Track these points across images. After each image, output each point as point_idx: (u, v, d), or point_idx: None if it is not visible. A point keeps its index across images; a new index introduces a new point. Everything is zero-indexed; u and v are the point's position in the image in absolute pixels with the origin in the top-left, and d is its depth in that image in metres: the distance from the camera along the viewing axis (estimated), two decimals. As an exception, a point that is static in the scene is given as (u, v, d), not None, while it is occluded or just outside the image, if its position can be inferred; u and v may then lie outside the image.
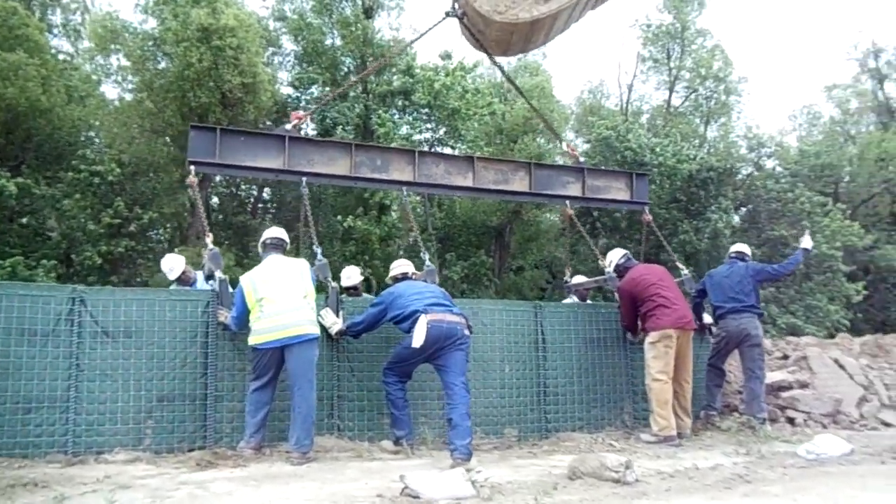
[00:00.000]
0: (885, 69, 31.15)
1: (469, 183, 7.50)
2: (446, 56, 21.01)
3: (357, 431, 6.31)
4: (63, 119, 17.17)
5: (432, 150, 21.07)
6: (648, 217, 8.33)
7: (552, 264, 26.24)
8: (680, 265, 8.31)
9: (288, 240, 6.21)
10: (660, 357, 6.67)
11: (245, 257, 18.96)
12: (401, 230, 23.56)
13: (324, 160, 6.99)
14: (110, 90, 20.91)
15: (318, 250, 6.66)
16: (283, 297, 5.64)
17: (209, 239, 6.49)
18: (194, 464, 5.31)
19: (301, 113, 7.08)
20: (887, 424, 7.39)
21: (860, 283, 22.90)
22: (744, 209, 24.15)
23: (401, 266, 6.47)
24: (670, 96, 28.09)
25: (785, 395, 7.38)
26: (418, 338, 5.61)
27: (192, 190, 6.88)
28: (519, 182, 7.71)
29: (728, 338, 7.24)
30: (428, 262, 6.87)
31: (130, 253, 17.14)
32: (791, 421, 7.20)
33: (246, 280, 5.76)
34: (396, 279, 6.37)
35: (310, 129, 20.82)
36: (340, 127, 19.38)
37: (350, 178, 7.10)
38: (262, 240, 6.18)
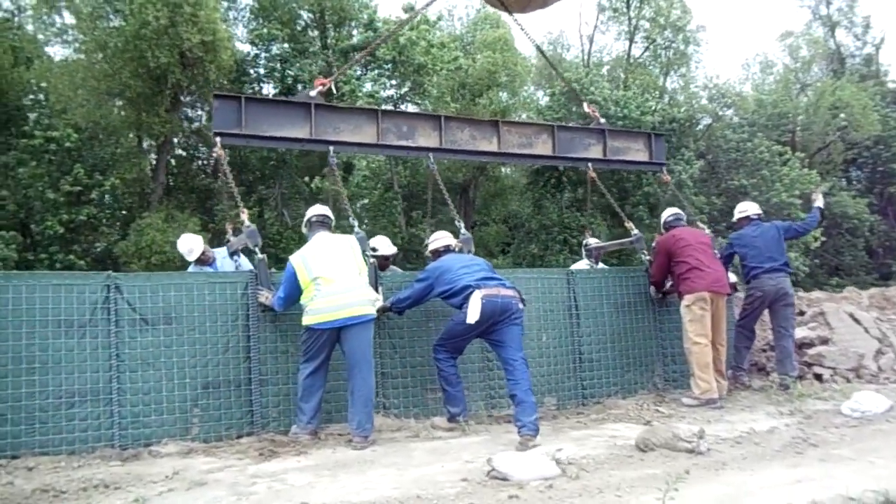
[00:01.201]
0: (836, 16, 31.82)
1: (494, 148, 7.46)
2: (410, 8, 20.59)
3: (403, 409, 6.34)
4: (10, 82, 16.37)
5: (397, 107, 20.85)
6: (667, 177, 8.42)
7: (508, 219, 26.36)
8: (630, 225, 8.31)
9: (333, 216, 6.10)
10: (696, 320, 6.82)
11: (210, 221, 18.59)
12: (366, 189, 23.37)
13: (350, 128, 6.85)
14: (58, 51, 19.96)
15: (355, 223, 6.55)
16: (341, 275, 5.59)
17: (245, 215, 6.34)
18: (256, 453, 5.28)
19: (325, 79, 6.89)
20: (904, 376, 7.74)
21: (818, 230, 23.67)
22: (702, 160, 24.56)
23: (442, 238, 6.43)
24: (630, 47, 28.14)
25: (811, 351, 7.66)
26: (473, 313, 5.60)
27: (220, 163, 6.65)
28: (542, 145, 7.70)
29: (764, 297, 7.42)
30: (463, 231, 6.84)
31: (92, 220, 16.64)
32: (819, 377, 7.49)
33: (297, 259, 5.66)
34: (438, 252, 6.33)
35: (271, 89, 20.35)
36: (302, 85, 18.93)
37: (377, 146, 7.00)
38: (307, 218, 6.08)
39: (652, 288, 7.50)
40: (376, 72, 20.69)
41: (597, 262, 8.72)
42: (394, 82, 21.40)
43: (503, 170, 24.09)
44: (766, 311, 7.64)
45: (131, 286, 5.66)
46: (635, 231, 7.90)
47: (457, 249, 6.42)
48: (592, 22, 28.15)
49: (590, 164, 7.94)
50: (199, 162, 20.94)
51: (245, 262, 7.46)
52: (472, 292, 5.70)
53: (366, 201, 23.42)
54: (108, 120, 17.15)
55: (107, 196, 16.74)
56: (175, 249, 16.65)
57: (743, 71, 36.14)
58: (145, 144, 19.80)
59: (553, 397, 6.91)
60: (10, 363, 5.25)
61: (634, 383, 7.32)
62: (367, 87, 20.97)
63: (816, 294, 9.54)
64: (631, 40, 27.66)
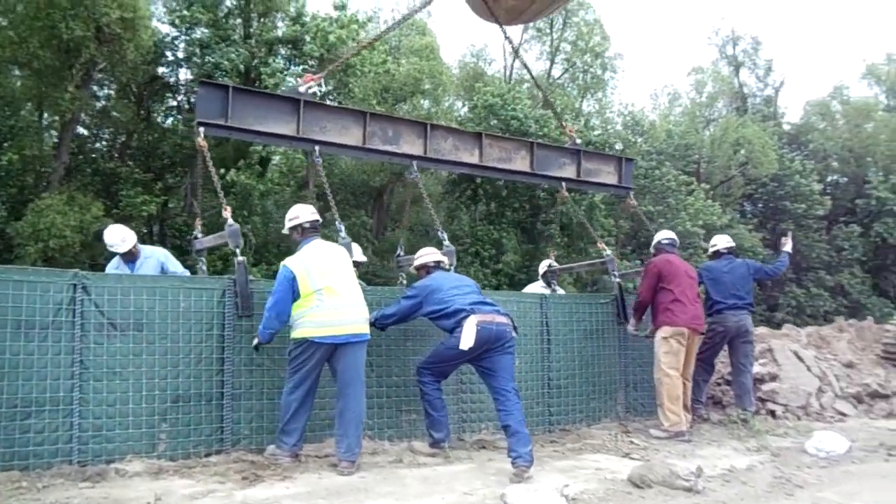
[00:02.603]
0: (741, 56, 33.69)
1: (475, 160, 7.39)
2: (341, 7, 20.18)
3: (377, 430, 6.18)
4: None
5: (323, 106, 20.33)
6: (633, 202, 8.56)
7: (414, 227, 26.37)
8: (602, 245, 8.42)
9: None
10: (671, 353, 6.98)
11: (114, 207, 17.62)
12: (280, 185, 22.78)
13: (336, 129, 6.62)
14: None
15: (341, 227, 6.32)
16: (345, 289, 5.41)
17: (227, 212, 5.97)
18: (238, 476, 5.00)
19: (316, 75, 6.62)
20: (843, 414, 8.18)
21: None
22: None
23: (431, 254, 6.28)
24: (551, 67, 28.79)
25: (765, 388, 7.98)
26: (467, 340, 5.50)
27: (203, 155, 6.25)
28: (521, 161, 7.69)
29: (726, 333, 7.66)
30: (447, 243, 6.72)
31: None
32: (772, 413, 7.80)
33: (298, 266, 5.36)
34: (427, 268, 6.18)
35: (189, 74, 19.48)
36: (222, 73, 18.23)
37: (362, 150, 6.80)
38: (297, 222, 5.72)
39: (631, 322, 7.51)
40: (301, 67, 20.13)
41: (549, 286, 8.72)
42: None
43: (421, 176, 24.04)
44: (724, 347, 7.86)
45: (100, 287, 5.26)
46: (607, 252, 8.01)
47: (447, 267, 6.28)
48: (517, 39, 28.38)
49: (563, 184, 7.97)
50: (103, 143, 19.79)
51: (177, 267, 7.14)
52: (466, 317, 5.59)
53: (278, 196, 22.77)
54: (7, 90, 15.96)
55: (6, 173, 15.54)
56: (77, 234, 15.72)
57: (651, 101, 37.63)
58: (44, 120, 18.56)
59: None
60: (-41, 367, 4.74)
61: (598, 411, 7.42)
62: (290, 81, 20.39)
63: (760, 330, 9.95)
64: (552, 61, 28.34)
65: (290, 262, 5.39)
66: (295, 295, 5.33)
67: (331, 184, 23.74)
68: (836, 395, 8.33)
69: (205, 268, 6.94)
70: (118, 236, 6.92)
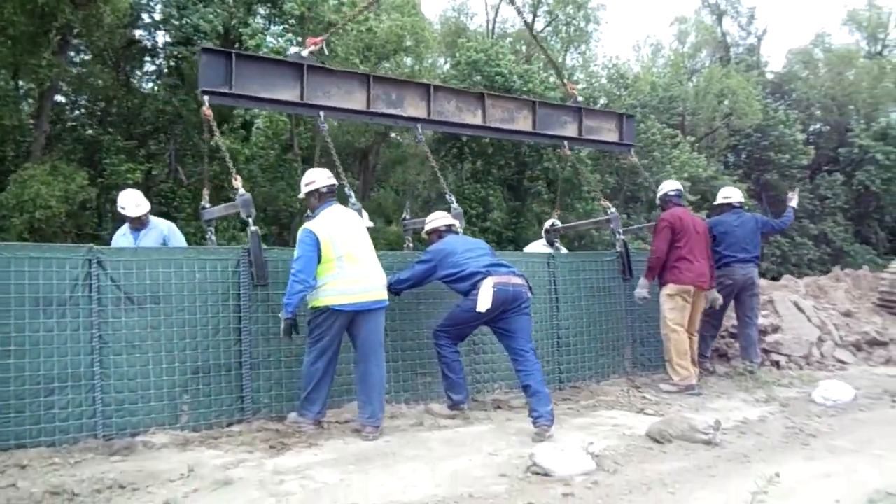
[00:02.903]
0: (723, 5, 33.48)
1: (479, 121, 7.39)
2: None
3: (393, 394, 6.23)
4: None
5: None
6: (634, 159, 8.59)
7: (398, 188, 26.33)
8: (606, 203, 8.42)
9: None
10: (677, 309, 7.09)
11: (99, 176, 17.39)
12: (264, 149, 22.58)
13: (340, 93, 6.58)
14: None
15: (351, 192, 6.31)
16: (365, 255, 5.44)
17: (238, 182, 5.93)
18: (265, 445, 5.06)
19: (317, 38, 6.54)
20: (843, 363, 8.37)
21: (703, 211, 24.96)
22: (598, 139, 25.38)
23: (442, 218, 6.29)
24: (533, 20, 28.40)
25: (769, 339, 8.13)
26: (484, 302, 5.55)
27: (208, 124, 6.19)
28: (523, 121, 7.69)
29: (733, 286, 7.75)
30: (455, 206, 6.72)
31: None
32: (776, 364, 7.97)
33: (323, 231, 5.29)
34: (439, 232, 6.19)
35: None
36: (201, 35, 17.89)
37: (366, 114, 6.78)
38: (314, 187, 5.63)
39: (642, 281, 7.39)
40: (282, 27, 19.78)
41: (551, 245, 8.77)
42: (299, 39, 20.56)
43: (405, 135, 23.85)
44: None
45: (115, 261, 5.25)
46: (612, 209, 8.01)
47: (458, 230, 6.29)
48: (498, -8, 28.10)
49: (566, 143, 7.98)
50: (82, 110, 19.44)
51: (180, 241, 7.04)
52: (482, 279, 5.64)
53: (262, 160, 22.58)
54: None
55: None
56: (62, 204, 15.51)
57: (634, 52, 37.42)
58: (21, 89, 18.18)
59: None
60: (-17, 346, 4.73)
61: (607, 367, 7.53)
62: (270, 40, 20.06)
63: (761, 282, 10.05)
64: (534, 14, 27.95)
65: (313, 226, 5.32)
66: (318, 260, 5.30)
67: (314, 145, 23.59)
68: (835, 343, 8.51)
69: (214, 237, 6.91)
70: (133, 200, 6.91)
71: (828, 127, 31.18)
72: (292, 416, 5.51)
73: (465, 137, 22.48)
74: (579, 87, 24.72)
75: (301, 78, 6.37)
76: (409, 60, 23.44)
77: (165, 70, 19.62)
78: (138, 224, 6.92)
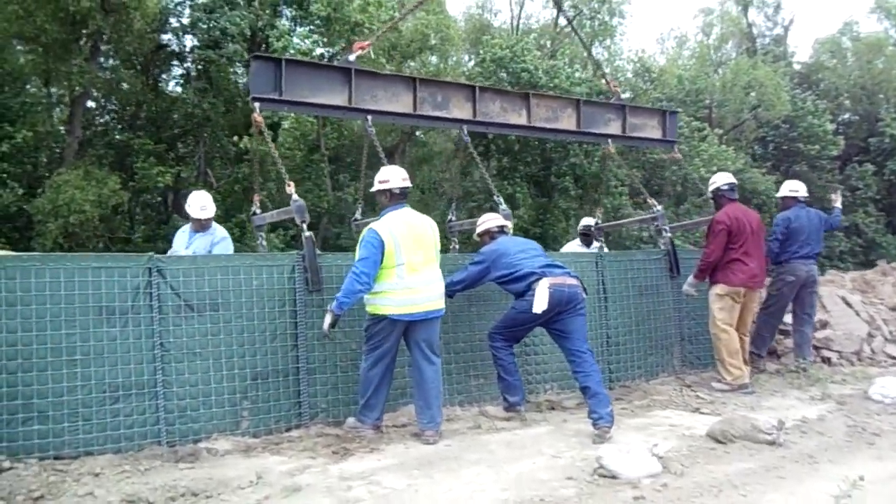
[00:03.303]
0: (749, -6, 33.12)
1: (523, 121, 7.40)
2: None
3: (447, 397, 6.22)
4: None
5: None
6: (678, 155, 8.53)
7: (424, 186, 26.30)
8: (652, 201, 8.31)
9: None
10: (726, 310, 7.01)
11: (130, 180, 17.58)
12: (291, 150, 22.69)
13: (387, 96, 6.61)
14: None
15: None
16: (426, 265, 5.38)
17: (291, 188, 5.96)
18: (328, 451, 5.09)
19: (365, 42, 6.58)
20: (894, 358, 8.26)
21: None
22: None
23: (494, 219, 6.30)
24: (558, 15, 28.28)
25: (819, 335, 8.04)
26: (540, 303, 5.55)
27: (259, 131, 6.23)
28: (567, 120, 7.68)
29: (796, 282, 7.65)
30: (504, 207, 6.73)
31: (2, 176, 15.42)
32: (826, 360, 7.90)
33: (387, 236, 5.24)
34: (491, 234, 6.19)
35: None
36: (229, 38, 18.00)
37: (412, 117, 6.83)
38: (386, 186, 5.52)
39: (691, 280, 7.33)
40: (308, 28, 19.87)
41: (588, 245, 8.72)
42: (325, 39, 20.64)
43: (431, 135, 23.87)
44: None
45: (174, 270, 5.31)
46: (658, 207, 7.97)
47: (509, 231, 6.29)
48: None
49: (609, 141, 7.97)
50: (112, 115, 19.64)
51: (226, 246, 7.04)
52: (537, 280, 5.64)
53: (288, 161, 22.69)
54: (15, 66, 15.82)
55: (20, 150, 15.48)
56: (96, 209, 15.66)
57: (658, 45, 37.15)
58: (53, 96, 18.42)
59: (584, 381, 6.94)
60: (50, 354, 4.85)
61: (656, 366, 7.51)
62: (296, 41, 20.15)
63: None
64: (559, 8, 27.80)
65: (378, 228, 5.26)
66: (380, 263, 5.27)
67: (342, 145, 23.65)
68: (885, 339, 8.43)
69: (265, 243, 6.94)
70: (199, 202, 7.02)
71: (857, 117, 30.79)
72: (350, 420, 5.55)
73: (490, 135, 22.47)
74: (603, 82, 24.70)
75: (349, 82, 6.40)
76: (434, 59, 23.46)
77: (194, 74, 19.76)
78: (199, 226, 6.99)
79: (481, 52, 23.79)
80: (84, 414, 4.89)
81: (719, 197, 7.40)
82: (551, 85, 21.50)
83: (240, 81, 22.29)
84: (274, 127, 21.31)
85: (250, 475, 4.55)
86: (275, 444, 5.27)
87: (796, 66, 31.85)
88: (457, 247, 7.60)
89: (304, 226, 5.80)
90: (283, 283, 5.67)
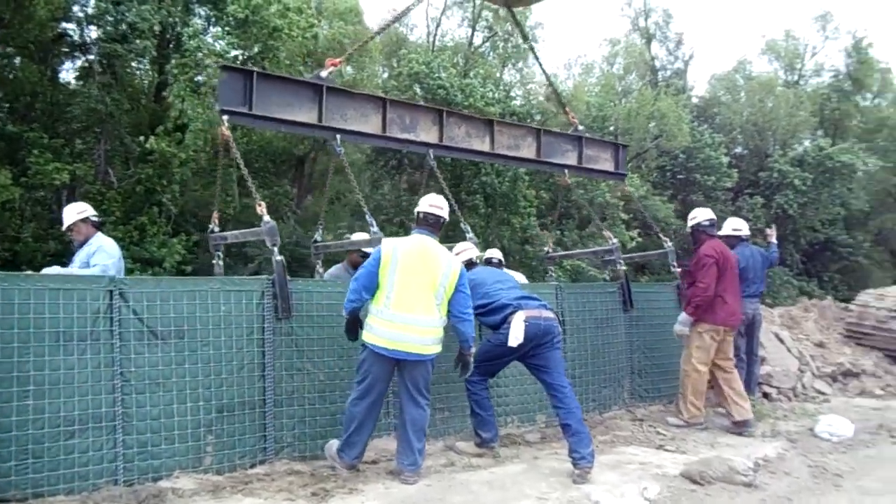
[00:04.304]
0: (652, 29, 34.54)
1: (487, 148, 7.34)
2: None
3: (413, 430, 6.02)
4: None
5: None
6: (629, 188, 8.66)
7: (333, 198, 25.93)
8: (608, 234, 8.45)
9: (447, 218, 5.48)
10: (704, 349, 6.99)
11: (23, 175, 16.44)
12: (196, 152, 21.84)
13: (357, 116, 6.39)
14: None
15: (372, 220, 6.10)
16: (418, 303, 5.09)
17: (262, 208, 5.62)
18: (307, 493, 4.83)
19: (336, 59, 6.34)
20: (822, 393, 8.68)
21: (635, 230, 25.50)
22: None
23: (470, 249, 6.17)
24: (472, 34, 28.58)
25: (762, 372, 8.29)
26: (516, 336, 5.47)
27: (226, 145, 5.87)
28: (527, 149, 7.67)
29: (744, 321, 7.75)
30: (471, 235, 6.65)
31: None
32: (766, 396, 8.15)
33: (389, 248, 5.09)
34: (470, 263, 6.05)
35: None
36: (138, 33, 17.17)
37: (381, 138, 6.62)
38: (417, 209, 5.42)
39: (683, 317, 7.11)
40: (221, 29, 19.17)
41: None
42: (241, 42, 20.01)
43: (345, 146, 23.53)
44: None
45: (137, 293, 4.92)
46: (614, 240, 8.05)
47: (480, 262, 6.18)
48: (440, 5, 28.09)
49: (566, 171, 8.02)
50: (4, 106, 18.34)
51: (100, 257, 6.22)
52: (512, 312, 5.56)
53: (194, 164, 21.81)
54: None
55: None
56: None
57: (565, 70, 38.08)
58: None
59: (543, 415, 6.93)
60: (0, 385, 4.32)
61: (609, 399, 7.56)
62: (210, 41, 19.42)
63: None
64: (473, 28, 28.12)
65: (385, 241, 5.21)
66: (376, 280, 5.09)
67: (249, 151, 22.97)
68: (814, 374, 8.81)
69: (221, 263, 6.55)
70: (64, 216, 6.47)
71: (747, 151, 32.54)
72: (331, 448, 5.26)
73: (404, 150, 22.37)
74: (516, 103, 25.05)
75: (319, 100, 6.14)
76: (350, 69, 23.17)
77: (98, 68, 18.72)
78: (77, 238, 6.36)
79: (397, 65, 23.70)
80: (34, 451, 4.45)
81: (699, 232, 7.35)
82: (466, 104, 21.62)
83: (145, 79, 21.36)
84: (182, 128, 20.49)
85: (232, 522, 4.24)
86: (243, 482, 4.94)
87: (695, 100, 33.38)
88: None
89: (276, 249, 5.49)
90: (251, 310, 5.35)
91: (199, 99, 18.98)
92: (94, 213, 6.53)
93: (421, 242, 5.22)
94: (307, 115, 6.12)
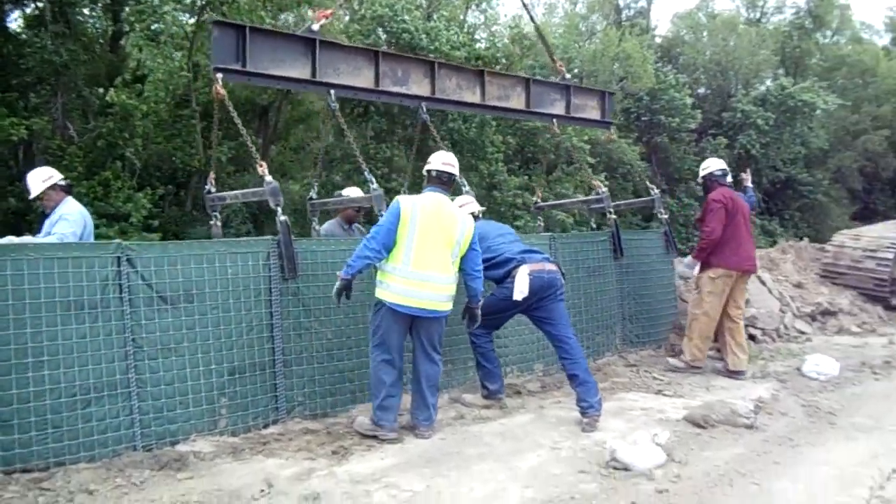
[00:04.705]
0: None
1: (477, 99, 7.30)
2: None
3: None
4: None
5: (201, 17, 18.87)
6: (613, 137, 8.67)
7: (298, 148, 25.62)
8: (597, 183, 8.49)
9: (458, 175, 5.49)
10: (716, 294, 7.08)
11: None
12: (157, 104, 21.33)
13: (349, 70, 6.31)
14: None
15: (371, 178, 6.08)
16: (436, 260, 5.10)
17: (263, 169, 5.55)
18: (328, 451, 4.91)
19: (327, 11, 6.22)
20: (803, 333, 8.96)
21: (603, 173, 25.61)
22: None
23: (473, 203, 6.17)
24: (439, -27, 28.00)
25: (747, 314, 8.51)
26: (520, 289, 5.55)
27: (221, 103, 5.76)
28: (517, 98, 7.64)
29: None
30: (467, 188, 6.73)
31: None
32: (752, 338, 8.37)
33: (408, 205, 5.06)
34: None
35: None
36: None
37: (374, 92, 6.54)
38: (427, 167, 5.39)
39: (688, 260, 7.34)
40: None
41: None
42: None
43: (306, 94, 23.11)
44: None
45: (145, 258, 4.87)
46: (603, 189, 8.12)
47: (481, 216, 6.21)
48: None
49: (554, 121, 8.02)
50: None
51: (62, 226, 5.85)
52: (516, 266, 5.63)
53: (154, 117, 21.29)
54: None
55: None
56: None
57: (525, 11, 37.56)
58: None
59: (541, 363, 7.07)
60: (14, 356, 4.36)
61: (602, 345, 7.73)
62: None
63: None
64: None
65: (402, 198, 5.12)
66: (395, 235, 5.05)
67: (210, 101, 22.52)
68: (794, 315, 9.08)
69: (219, 223, 6.47)
70: (46, 173, 6.10)
71: (710, 91, 32.73)
72: (362, 422, 5.22)
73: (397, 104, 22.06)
74: (481, 46, 24.77)
75: (312, 54, 6.04)
76: (310, 13, 22.63)
77: (49, 17, 18.04)
78: (47, 203, 6.01)
79: (359, 7, 23.20)
80: (53, 420, 4.44)
81: (711, 182, 7.47)
82: (432, 48, 21.33)
83: (98, 26, 20.63)
84: (141, 80, 19.96)
85: (257, 483, 4.30)
86: (261, 443, 5.01)
87: (658, 40, 33.35)
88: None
89: (279, 209, 5.45)
90: (258, 271, 5.34)
91: (158, 49, 18.44)
92: (61, 176, 6.15)
93: (437, 200, 5.22)
94: (300, 70, 6.02)
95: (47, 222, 5.99)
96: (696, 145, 30.51)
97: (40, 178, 6.01)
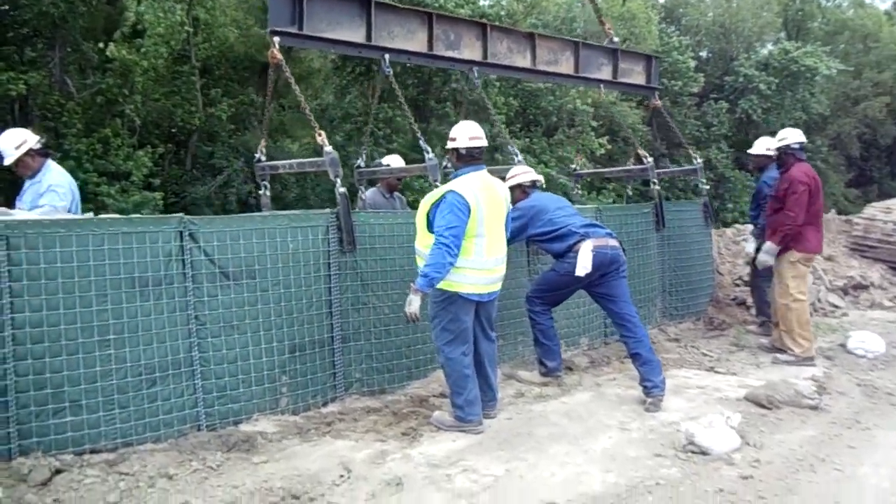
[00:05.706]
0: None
1: (528, 63, 7.11)
2: None
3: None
4: None
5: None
6: (658, 103, 8.47)
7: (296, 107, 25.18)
8: (643, 153, 8.42)
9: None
10: (800, 277, 6.83)
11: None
12: (157, 60, 20.80)
13: (403, 33, 6.09)
14: None
15: (427, 147, 5.93)
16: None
17: (322, 138, 5.34)
18: (397, 432, 4.85)
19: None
20: (836, 307, 8.91)
21: (605, 137, 25.42)
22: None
23: (527, 173, 6.00)
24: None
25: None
26: (583, 265, 5.42)
27: (278, 69, 5.53)
28: (566, 63, 7.44)
29: None
30: (519, 157, 6.61)
31: None
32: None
33: (473, 199, 4.70)
34: (523, 188, 5.89)
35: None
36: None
37: (427, 56, 6.34)
38: (453, 144, 4.96)
39: (768, 245, 6.83)
40: None
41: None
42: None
43: (309, 52, 22.66)
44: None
45: (207, 233, 4.71)
46: (649, 159, 7.98)
47: (540, 186, 6.04)
48: None
49: (601, 86, 7.85)
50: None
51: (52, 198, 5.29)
52: (579, 241, 5.49)
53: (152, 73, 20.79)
54: None
55: None
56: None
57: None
58: None
59: (585, 338, 7.00)
60: (80, 335, 4.20)
61: (643, 318, 7.52)
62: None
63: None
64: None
65: (462, 191, 4.68)
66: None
67: (210, 56, 21.92)
68: (827, 288, 9.02)
69: (269, 194, 6.26)
70: (20, 137, 5.39)
71: (712, 54, 32.42)
72: (441, 416, 5.00)
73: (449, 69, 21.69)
74: (485, 4, 24.33)
75: (367, 16, 5.81)
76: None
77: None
78: (24, 171, 5.39)
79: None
80: (120, 400, 4.32)
81: (787, 155, 6.86)
82: (436, 4, 20.91)
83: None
84: (140, 34, 19.44)
85: (334, 467, 4.22)
86: (325, 423, 4.92)
87: (661, 0, 32.92)
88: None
89: (338, 181, 5.26)
90: (317, 246, 5.20)
91: (158, 2, 17.96)
92: (37, 139, 5.44)
93: (486, 182, 4.92)
94: (356, 33, 5.80)
95: (31, 190, 5.39)
96: (698, 109, 30.33)
97: (12, 144, 5.31)
